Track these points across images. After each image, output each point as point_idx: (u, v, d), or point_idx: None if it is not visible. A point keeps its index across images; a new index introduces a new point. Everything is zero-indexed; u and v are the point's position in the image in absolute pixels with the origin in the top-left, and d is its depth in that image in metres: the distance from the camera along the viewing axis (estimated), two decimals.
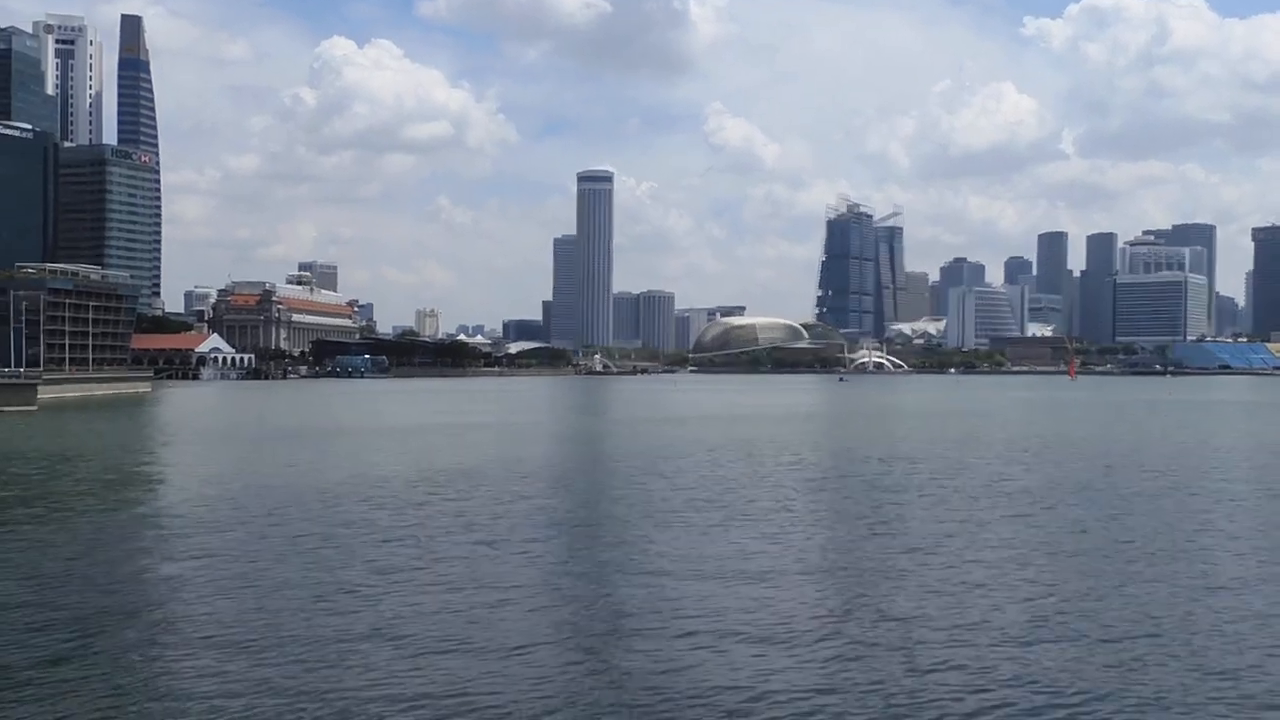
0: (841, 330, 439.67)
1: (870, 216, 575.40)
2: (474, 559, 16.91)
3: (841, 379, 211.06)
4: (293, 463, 31.85)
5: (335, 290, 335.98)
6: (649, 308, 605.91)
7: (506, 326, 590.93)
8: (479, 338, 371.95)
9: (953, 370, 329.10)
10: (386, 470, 29.29)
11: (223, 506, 21.84)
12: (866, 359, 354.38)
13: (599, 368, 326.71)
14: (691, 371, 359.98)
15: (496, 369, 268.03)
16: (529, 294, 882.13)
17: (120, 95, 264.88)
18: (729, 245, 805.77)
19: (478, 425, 51.42)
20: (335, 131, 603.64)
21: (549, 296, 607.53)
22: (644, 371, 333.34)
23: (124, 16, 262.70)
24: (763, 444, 38.94)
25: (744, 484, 25.92)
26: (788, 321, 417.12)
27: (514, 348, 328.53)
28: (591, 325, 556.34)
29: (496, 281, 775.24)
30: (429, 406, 76.37)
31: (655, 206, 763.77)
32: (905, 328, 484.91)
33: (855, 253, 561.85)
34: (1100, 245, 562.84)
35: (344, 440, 40.81)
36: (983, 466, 30.41)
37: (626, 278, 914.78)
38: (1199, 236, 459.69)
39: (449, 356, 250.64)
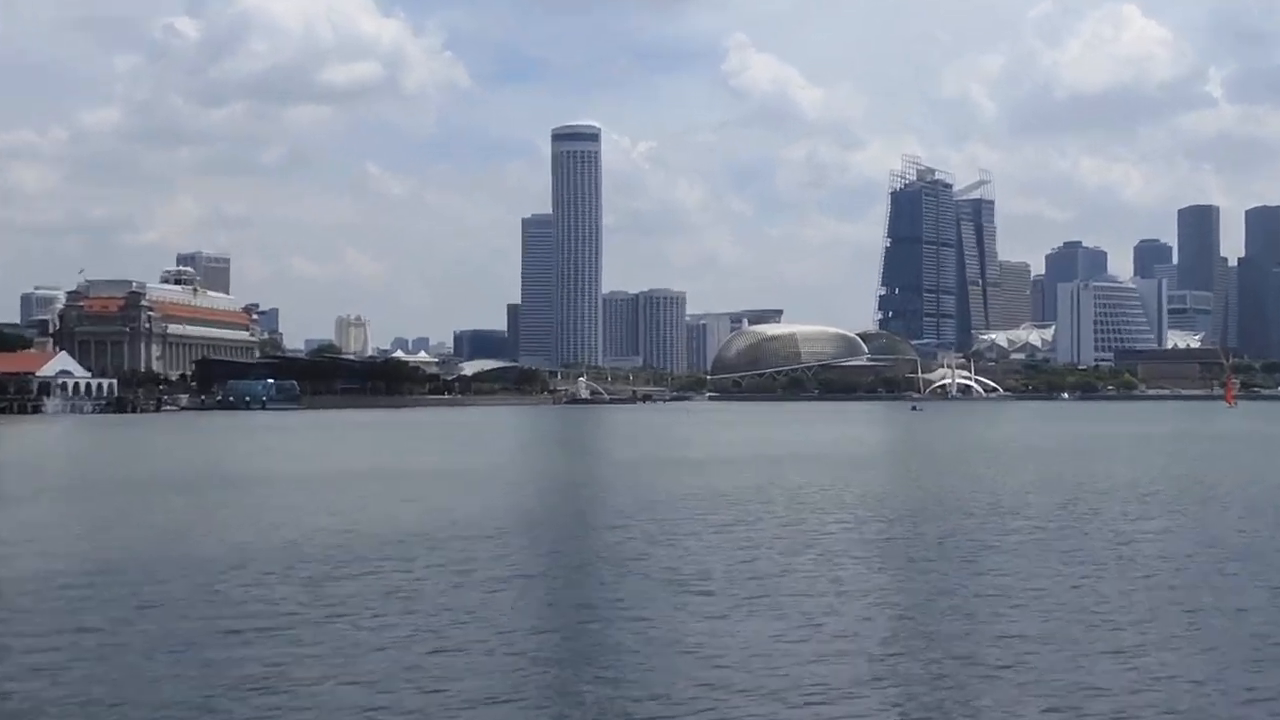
0: (913, 342, 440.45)
1: (949, 186, 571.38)
2: (413, 670, 15.10)
3: (914, 407, 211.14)
4: (155, 525, 32.08)
5: (227, 291, 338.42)
6: (651, 313, 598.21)
7: (459, 339, 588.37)
8: (422, 355, 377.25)
9: (1064, 395, 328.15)
10: (283, 538, 29.29)
11: (49, 591, 21.00)
12: (947, 380, 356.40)
13: (585, 393, 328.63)
14: (710, 398, 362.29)
15: (447, 396, 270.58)
16: (489, 295, 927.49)
17: None
18: (757, 226, 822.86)
19: (418, 472, 52.03)
20: (225, 75, 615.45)
21: (515, 299, 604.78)
22: (646, 398, 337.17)
23: None
24: (807, 499, 39.34)
25: (782, 555, 25.63)
26: (840, 331, 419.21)
27: (470, 368, 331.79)
28: (574, 337, 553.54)
29: (445, 278, 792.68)
30: (353, 447, 77.85)
31: (657, 174, 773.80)
32: (999, 337, 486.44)
33: (929, 235, 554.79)
34: (1264, 223, 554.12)
35: (229, 495, 41.11)
36: (1129, 549, 25.92)
37: (620, 272, 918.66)
38: None
39: (382, 380, 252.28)
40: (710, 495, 40.33)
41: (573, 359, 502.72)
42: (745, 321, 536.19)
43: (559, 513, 34.23)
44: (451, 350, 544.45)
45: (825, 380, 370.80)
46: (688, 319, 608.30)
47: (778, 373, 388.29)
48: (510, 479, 48.26)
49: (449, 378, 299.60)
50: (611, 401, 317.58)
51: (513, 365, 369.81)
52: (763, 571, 23.10)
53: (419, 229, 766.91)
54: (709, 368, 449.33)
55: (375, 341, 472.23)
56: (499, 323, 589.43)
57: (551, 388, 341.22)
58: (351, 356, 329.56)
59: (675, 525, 31.11)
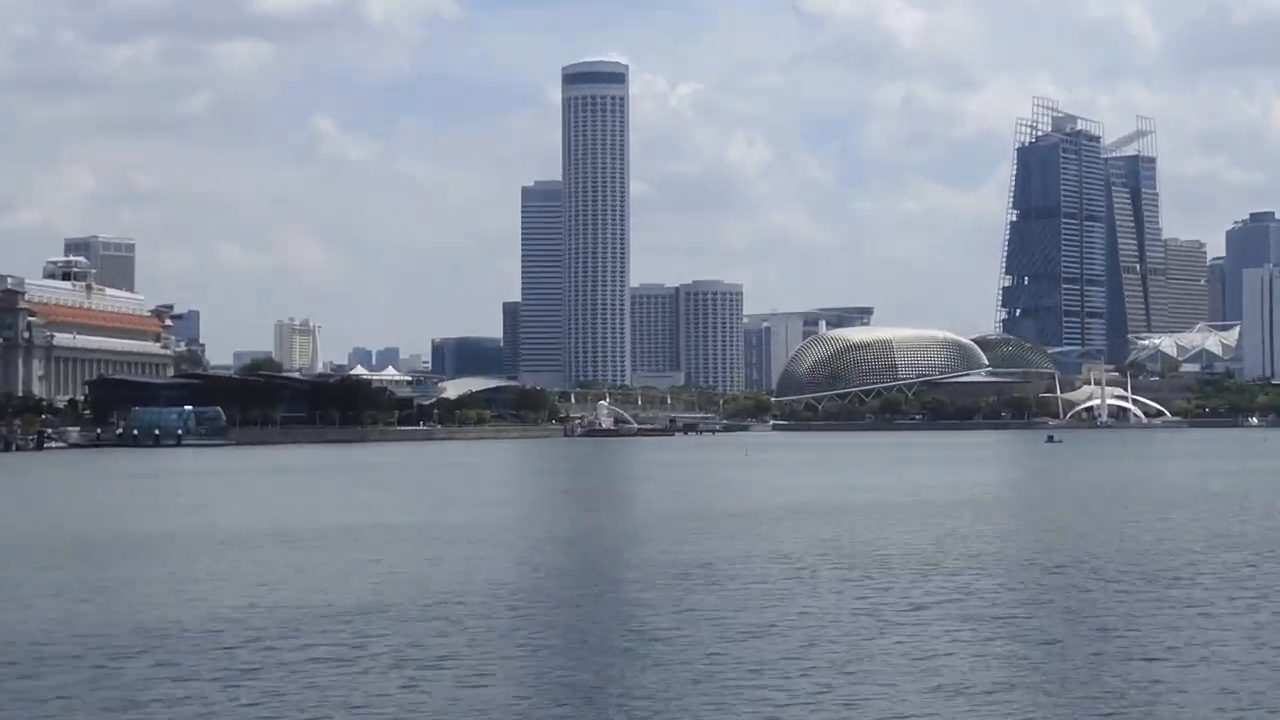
0: (1049, 350, 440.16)
1: (1096, 140, 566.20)
2: None
3: (1051, 438, 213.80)
4: (27, 603, 32.70)
5: (132, 290, 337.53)
6: (696, 314, 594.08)
7: (440, 351, 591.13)
8: (391, 372, 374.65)
9: (1253, 419, 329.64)
10: (193, 616, 30.07)
11: None
12: (1095, 400, 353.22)
13: (607, 422, 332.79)
14: (775, 427, 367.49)
15: (423, 427, 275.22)
16: (479, 292, 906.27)
17: None
18: (839, 197, 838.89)
19: (384, 534, 53.06)
20: (129, 2, 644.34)
21: (514, 295, 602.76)
22: (690, 429, 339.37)
23: None
24: (910, 565, 39.99)
25: (888, 651, 25.48)
26: (950, 336, 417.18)
27: (454, 388, 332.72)
28: (593, 347, 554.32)
29: (420, 270, 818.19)
30: (297, 500, 79.16)
31: (704, 127, 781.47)
32: (1164, 343, 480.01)
33: (1070, 206, 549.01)
34: None
35: (127, 565, 41.67)
36: None
37: (655, 259, 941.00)
38: None
39: (337, 406, 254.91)
40: (775, 561, 40.40)
41: (591, 376, 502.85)
42: (823, 324, 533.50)
43: (556, 596, 34.19)
44: (429, 366, 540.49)
45: (931, 403, 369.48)
46: (745, 322, 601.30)
47: (866, 393, 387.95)
48: (500, 542, 49.23)
49: (426, 402, 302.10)
50: (642, 433, 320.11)
51: (511, 385, 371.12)
52: (861, 683, 22.36)
53: (387, 205, 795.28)
54: (774, 386, 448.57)
55: (328, 354, 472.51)
56: (492, 328, 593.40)
57: (563, 414, 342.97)
58: (297, 374, 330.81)
59: (742, 604, 31.29)
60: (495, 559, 43.00)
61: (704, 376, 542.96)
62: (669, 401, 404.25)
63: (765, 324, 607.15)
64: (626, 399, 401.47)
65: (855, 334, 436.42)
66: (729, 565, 39.97)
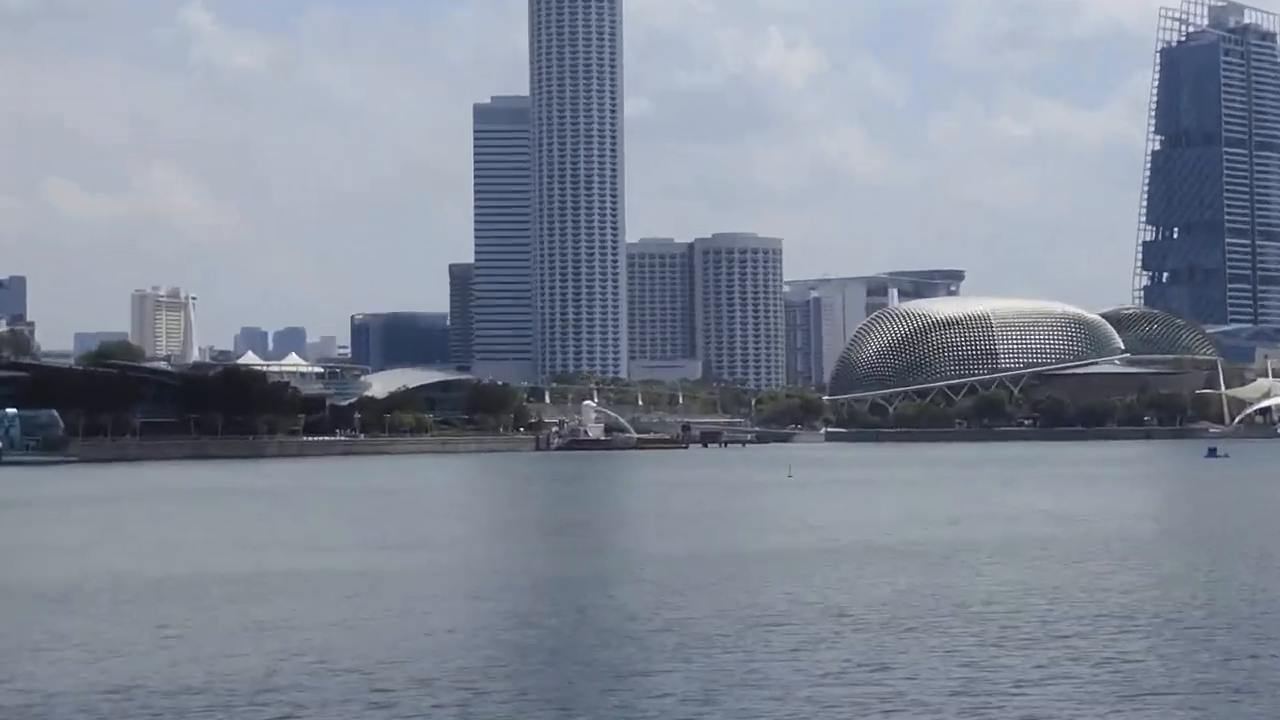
0: (1209, 328, 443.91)
1: (1272, 39, 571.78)
2: None
3: (1214, 451, 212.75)
4: None
5: None
6: (718, 280, 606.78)
7: (363, 332, 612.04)
8: (294, 361, 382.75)
9: None
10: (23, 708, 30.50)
11: None
12: (1275, 399, 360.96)
13: (595, 429, 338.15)
14: (829, 436, 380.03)
15: (341, 436, 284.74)
16: (416, 252, 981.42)
17: None
18: (911, 116, 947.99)
19: (280, 585, 54.66)
20: None
21: (465, 256, 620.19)
22: (712, 439, 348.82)
23: None
24: (1025, 631, 40.97)
25: None
26: (1071, 310, 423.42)
27: (382, 384, 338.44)
28: (575, 326, 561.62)
29: (335, 223, 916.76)
30: (161, 537, 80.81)
31: (725, 23, 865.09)
32: None
33: (1235, 130, 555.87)
34: None
35: None
36: None
37: (660, 206, 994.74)
38: None
39: (219, 409, 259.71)
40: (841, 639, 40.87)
41: (573, 367, 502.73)
42: (894, 294, 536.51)
43: (509, 675, 34.84)
44: (348, 353, 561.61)
45: (1046, 402, 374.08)
46: (787, 290, 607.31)
47: (955, 389, 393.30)
48: (435, 599, 50.47)
49: (344, 403, 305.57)
50: (644, 444, 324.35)
51: (461, 379, 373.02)
52: None
53: (287, 131, 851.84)
54: (827, 380, 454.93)
55: (207, 337, 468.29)
56: (435, 301, 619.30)
57: (534, 419, 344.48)
58: (163, 365, 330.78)
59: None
60: (429, 624, 43.62)
61: (730, 367, 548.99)
62: (680, 401, 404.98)
63: (814, 294, 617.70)
64: (622, 398, 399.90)
65: (940, 307, 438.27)
66: (754, 631, 41.01)
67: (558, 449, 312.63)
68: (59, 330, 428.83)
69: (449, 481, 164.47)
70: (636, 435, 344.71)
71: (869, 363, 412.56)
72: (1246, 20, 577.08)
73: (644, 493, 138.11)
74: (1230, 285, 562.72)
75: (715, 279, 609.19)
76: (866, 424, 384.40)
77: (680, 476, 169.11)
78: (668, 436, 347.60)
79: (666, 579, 55.74)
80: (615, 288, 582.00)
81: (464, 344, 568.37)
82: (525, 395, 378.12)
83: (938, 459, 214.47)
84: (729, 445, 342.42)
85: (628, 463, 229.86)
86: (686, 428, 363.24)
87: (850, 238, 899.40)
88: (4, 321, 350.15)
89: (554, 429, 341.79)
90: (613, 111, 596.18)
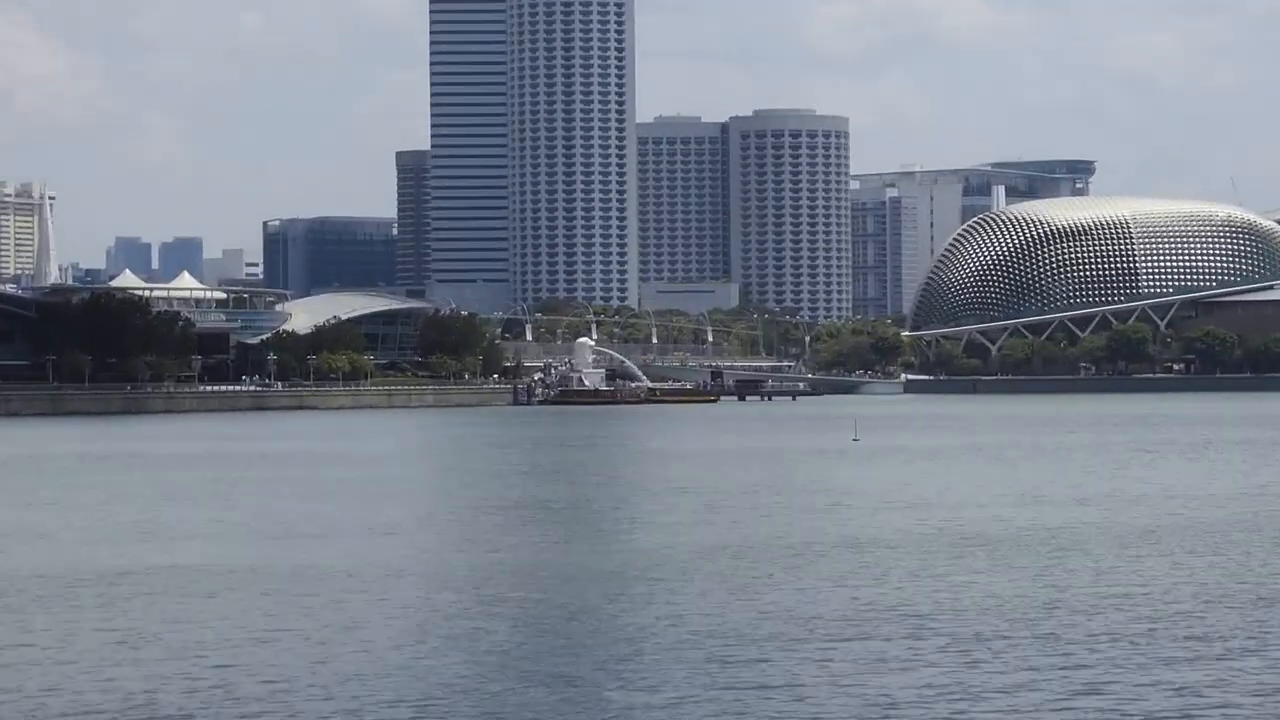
0: None
1: None
2: None
3: None
4: None
5: None
6: (760, 172, 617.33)
7: (279, 244, 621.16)
8: (187, 282, 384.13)
9: None
10: None
11: None
12: None
13: (593, 376, 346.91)
14: (909, 386, 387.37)
15: (251, 387, 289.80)
16: (353, 137, 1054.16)
17: None
18: None
19: (166, 581, 56.65)
20: None
21: (419, 143, 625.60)
22: (751, 389, 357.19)
23: None
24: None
25: None
26: (1238, 216, 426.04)
27: (307, 313, 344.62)
28: (567, 238, 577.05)
29: (243, 97, 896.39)
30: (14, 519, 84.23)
31: None
32: None
33: None
34: None
35: None
36: None
37: (680, 72, 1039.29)
38: None
39: (88, 348, 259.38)
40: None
41: (563, 291, 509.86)
42: (999, 193, 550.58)
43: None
44: (260, 273, 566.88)
45: (1203, 340, 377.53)
46: (855, 187, 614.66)
47: (1080, 322, 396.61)
48: (380, 601, 52.78)
49: (254, 340, 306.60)
50: (660, 397, 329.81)
51: (413, 308, 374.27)
52: None
53: None
54: (906, 309, 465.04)
55: (70, 252, 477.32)
56: (377, 203, 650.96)
57: (512, 362, 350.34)
58: (9, 288, 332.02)
59: None
60: (368, 638, 44.75)
61: (776, 293, 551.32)
62: (709, 339, 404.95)
63: (891, 192, 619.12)
64: (631, 334, 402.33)
65: (1061, 211, 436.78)
66: (804, 642, 42.75)
67: (544, 402, 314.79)
68: None
69: (394, 449, 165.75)
70: (649, 384, 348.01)
71: (965, 286, 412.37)
72: None
73: (657, 461, 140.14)
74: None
75: (757, 172, 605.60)
76: (960, 369, 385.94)
77: (707, 442, 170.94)
78: (693, 387, 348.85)
79: (679, 577, 57.89)
80: (622, 183, 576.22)
81: (416, 261, 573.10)
82: (500, 330, 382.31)
83: (1056, 417, 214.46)
84: (774, 398, 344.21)
85: (637, 422, 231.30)
86: (718, 375, 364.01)
87: (941, 116, 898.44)
88: None
89: (538, 376, 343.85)
90: None
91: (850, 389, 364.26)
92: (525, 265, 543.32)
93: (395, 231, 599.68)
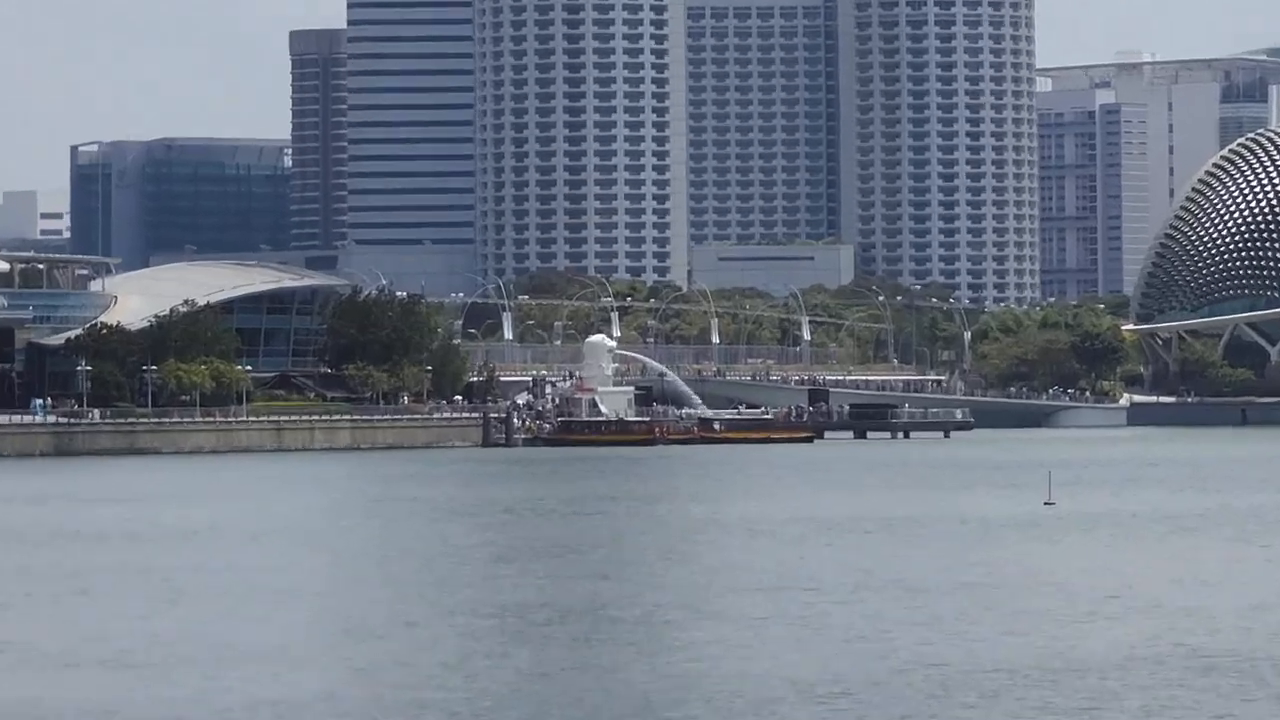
0: None
1: None
2: None
3: None
4: None
5: None
6: (887, 67, 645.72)
7: (92, 182, 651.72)
8: None
9: None
10: None
11: None
12: None
13: (610, 399, 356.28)
14: (1133, 409, 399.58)
15: (52, 419, 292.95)
16: (210, 16, 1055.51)
17: None
18: None
19: None
20: None
21: (331, 17, 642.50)
22: (878, 420, 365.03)
23: None
24: None
25: None
26: None
27: (136, 295, 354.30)
28: (568, 177, 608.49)
29: None
30: None
31: None
32: None
33: None
34: None
35: None
36: None
37: None
38: None
39: None
40: None
41: (563, 260, 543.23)
42: (1276, 92, 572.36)
43: None
44: (67, 229, 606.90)
45: None
46: (1042, 87, 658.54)
47: None
48: None
49: (56, 340, 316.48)
50: (724, 434, 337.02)
51: (314, 287, 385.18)
52: None
53: None
54: (1132, 288, 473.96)
55: None
56: (260, 118, 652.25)
57: (478, 372, 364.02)
58: None
59: None
60: None
61: (915, 261, 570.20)
62: (805, 337, 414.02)
63: (1103, 94, 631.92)
64: (678, 329, 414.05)
65: None
66: None
67: (533, 441, 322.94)
68: None
69: (260, 526, 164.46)
70: (706, 412, 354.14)
71: (1227, 251, 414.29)
72: None
73: (739, 544, 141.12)
74: None
75: (883, 66, 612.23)
76: (1220, 385, 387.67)
77: (818, 503, 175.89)
78: (774, 415, 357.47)
79: None
80: (661, 83, 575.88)
81: (323, 211, 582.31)
82: (461, 323, 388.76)
83: None
84: (912, 434, 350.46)
85: (692, 477, 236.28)
86: (819, 396, 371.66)
87: None
88: None
89: (524, 398, 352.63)
90: None
91: (1039, 418, 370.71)
92: (503, 218, 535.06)
93: (287, 162, 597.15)
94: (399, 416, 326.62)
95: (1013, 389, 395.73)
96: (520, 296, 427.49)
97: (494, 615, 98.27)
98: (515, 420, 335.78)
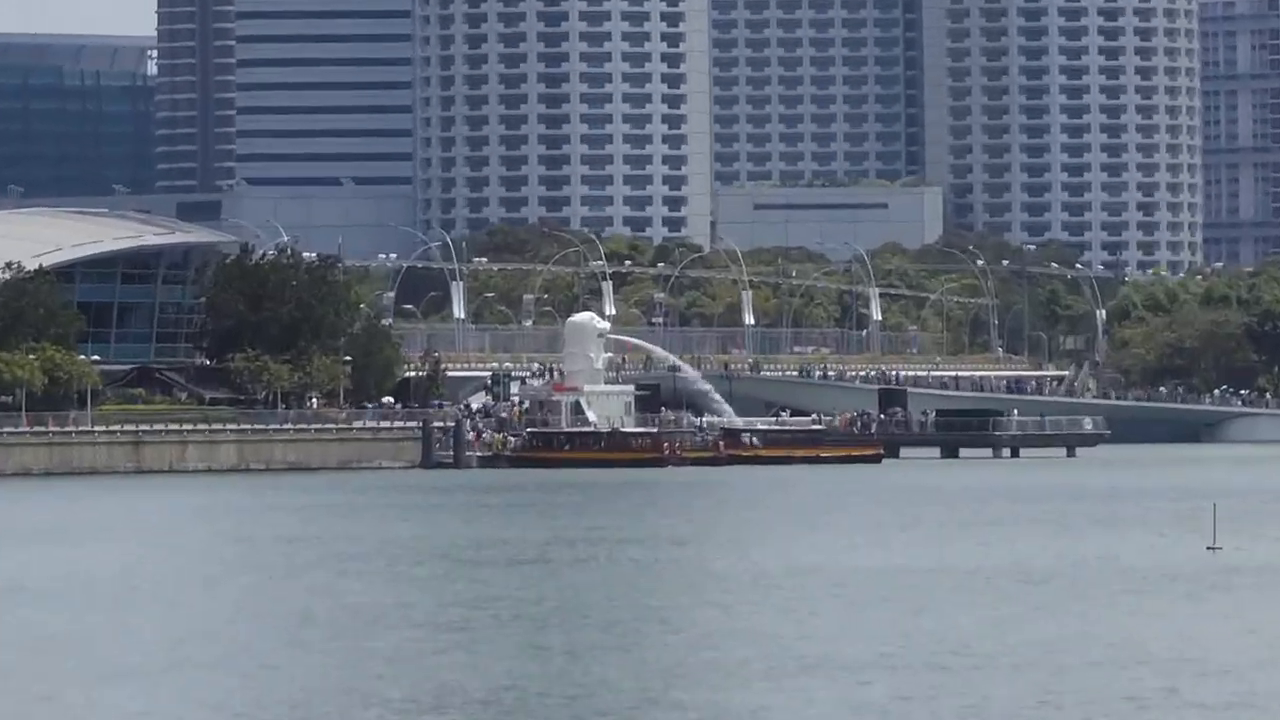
0: None
1: None
2: None
3: None
4: None
5: None
6: None
7: None
8: None
9: None
10: None
11: None
12: None
13: (608, 406, 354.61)
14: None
15: None
16: None
17: None
18: None
19: None
20: None
21: None
22: (978, 431, 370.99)
23: None
24: None
25: None
26: None
27: None
28: (545, 93, 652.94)
29: None
30: None
31: None
32: None
33: None
34: None
35: None
36: None
37: None
38: None
39: None
40: None
41: (539, 203, 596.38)
42: None
43: None
44: None
45: None
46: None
47: None
48: None
49: None
50: (757, 450, 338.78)
51: (189, 244, 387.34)
52: None
53: None
54: None
55: None
56: (117, 10, 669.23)
57: (417, 364, 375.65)
58: None
59: None
60: None
61: (1028, 213, 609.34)
62: (874, 316, 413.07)
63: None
64: (695, 304, 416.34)
65: None
66: None
67: (492, 461, 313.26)
68: None
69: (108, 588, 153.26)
70: (734, 422, 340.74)
71: None
72: None
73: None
74: None
75: None
76: None
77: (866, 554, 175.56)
78: (826, 425, 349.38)
79: None
80: None
81: (202, 139, 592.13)
82: (393, 294, 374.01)
83: None
84: (1022, 451, 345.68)
85: (720, 511, 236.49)
86: (892, 397, 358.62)
87: None
88: None
89: (480, 401, 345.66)
90: None
91: (1199, 429, 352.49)
92: (452, 149, 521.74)
93: (152, 69, 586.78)
94: (305, 426, 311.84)
95: (1164, 389, 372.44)
96: (476, 259, 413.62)
97: None
98: (468, 432, 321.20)
